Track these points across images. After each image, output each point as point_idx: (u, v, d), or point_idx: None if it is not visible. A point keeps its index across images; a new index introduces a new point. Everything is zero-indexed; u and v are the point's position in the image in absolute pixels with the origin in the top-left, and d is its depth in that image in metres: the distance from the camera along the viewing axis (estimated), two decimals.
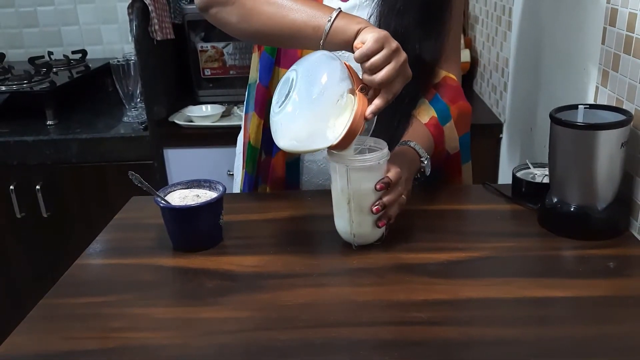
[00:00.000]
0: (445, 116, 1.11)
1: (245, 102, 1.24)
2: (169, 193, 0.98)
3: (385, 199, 0.90)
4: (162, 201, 0.94)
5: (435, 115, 1.10)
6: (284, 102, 0.86)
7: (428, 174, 1.05)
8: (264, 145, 1.17)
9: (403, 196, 0.93)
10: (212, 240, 0.97)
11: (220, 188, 0.97)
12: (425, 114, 1.10)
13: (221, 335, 0.75)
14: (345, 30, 0.89)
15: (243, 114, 1.25)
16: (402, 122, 1.10)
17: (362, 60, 0.86)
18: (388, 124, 1.09)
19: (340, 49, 0.91)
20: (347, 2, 1.08)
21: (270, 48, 1.12)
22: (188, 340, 0.74)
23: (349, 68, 0.88)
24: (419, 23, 1.05)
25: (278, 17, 0.94)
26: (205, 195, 0.97)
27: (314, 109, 0.85)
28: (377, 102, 0.87)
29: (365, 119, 0.85)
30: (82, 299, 0.84)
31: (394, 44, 0.86)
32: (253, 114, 1.17)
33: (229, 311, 0.80)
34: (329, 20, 0.89)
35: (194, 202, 0.94)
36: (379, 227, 0.91)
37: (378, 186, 0.89)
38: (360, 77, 0.88)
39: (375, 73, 0.86)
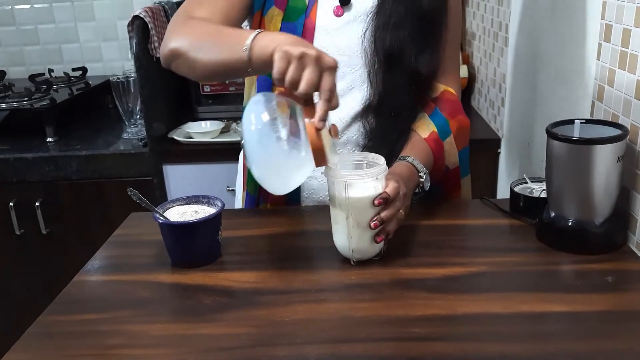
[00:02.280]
0: (445, 131, 1.12)
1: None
2: (167, 209, 0.98)
3: (383, 214, 0.90)
4: (161, 217, 0.94)
5: (435, 130, 1.10)
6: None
7: (427, 189, 1.05)
8: None
9: (401, 211, 0.94)
10: (210, 256, 0.97)
11: (219, 204, 0.98)
12: (425, 129, 1.11)
13: (219, 352, 0.75)
14: (262, 55, 0.88)
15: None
16: (401, 136, 1.10)
17: (281, 82, 0.84)
18: (387, 138, 1.10)
19: (268, 70, 0.88)
20: (342, 17, 1.10)
21: None
22: (185, 357, 0.74)
23: (284, 93, 0.86)
24: (414, 37, 1.06)
25: (211, 61, 0.96)
26: (203, 211, 0.97)
27: (274, 157, 0.85)
28: (318, 108, 0.84)
29: (317, 128, 0.83)
30: (79, 316, 0.84)
31: (297, 50, 0.82)
32: None
33: (227, 327, 0.80)
34: (245, 50, 0.89)
35: (192, 218, 0.94)
36: (377, 242, 0.91)
37: (376, 202, 0.89)
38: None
39: (297, 87, 0.83)
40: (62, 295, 0.90)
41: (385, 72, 1.07)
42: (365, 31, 1.07)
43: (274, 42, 0.86)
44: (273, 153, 0.85)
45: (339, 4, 1.10)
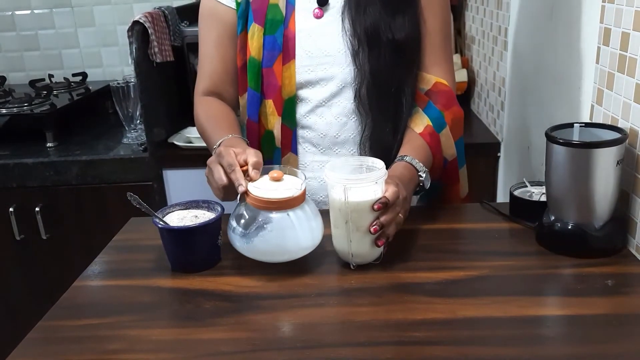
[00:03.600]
0: (441, 124, 1.12)
1: None
2: (167, 214, 0.98)
3: (382, 218, 0.90)
4: (161, 222, 0.94)
5: (430, 124, 1.11)
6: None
7: (427, 187, 1.05)
8: None
9: (400, 215, 0.94)
10: (210, 261, 0.97)
11: (219, 209, 0.98)
12: (420, 123, 1.11)
13: (219, 357, 0.75)
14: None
15: None
16: (397, 123, 1.12)
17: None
18: (382, 131, 1.10)
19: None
20: (322, 18, 1.12)
21: (254, 83, 1.15)
22: None
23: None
24: (384, 10, 1.08)
25: (205, 139, 1.17)
26: (203, 216, 0.97)
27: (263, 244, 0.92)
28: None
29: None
30: (79, 321, 0.84)
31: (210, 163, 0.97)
32: None
33: (227, 332, 0.80)
34: (214, 146, 1.05)
35: (192, 223, 0.94)
36: (378, 246, 0.91)
37: (375, 206, 0.89)
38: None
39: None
40: (63, 300, 0.90)
41: (370, 55, 1.09)
42: (345, 25, 1.09)
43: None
44: (258, 243, 0.91)
45: (317, 6, 1.11)
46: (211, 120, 1.16)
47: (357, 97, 1.11)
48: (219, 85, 1.20)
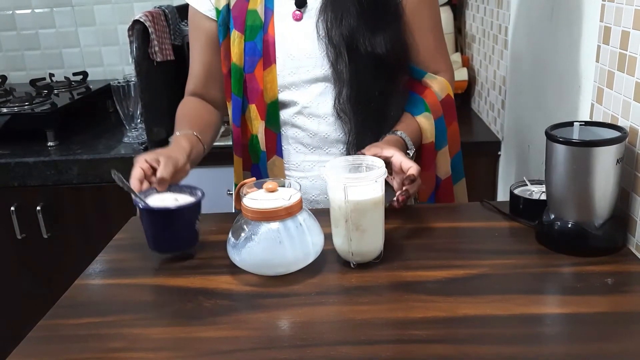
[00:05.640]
0: (442, 141, 1.16)
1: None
2: (149, 195, 0.99)
3: (409, 187, 0.96)
4: (141, 202, 0.95)
5: (434, 141, 1.15)
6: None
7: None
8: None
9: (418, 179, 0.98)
10: (187, 243, 1.00)
11: (199, 193, 0.99)
12: (429, 134, 1.15)
13: (219, 355, 0.75)
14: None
15: None
16: (382, 125, 1.13)
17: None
18: (367, 129, 1.12)
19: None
20: (301, 21, 1.12)
21: (237, 88, 1.17)
22: None
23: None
24: (363, 22, 1.08)
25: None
26: (184, 199, 0.99)
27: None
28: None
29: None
30: (80, 320, 0.84)
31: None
32: (233, 154, 1.24)
33: (228, 330, 0.80)
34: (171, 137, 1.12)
35: (171, 205, 0.96)
36: (397, 206, 0.97)
37: (399, 199, 0.96)
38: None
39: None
40: (63, 299, 0.90)
41: (349, 64, 1.09)
42: (319, 29, 1.10)
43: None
44: (246, 254, 0.91)
45: (296, 8, 1.11)
46: (180, 117, 1.22)
47: (337, 102, 1.12)
48: (201, 88, 1.25)
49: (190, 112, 1.23)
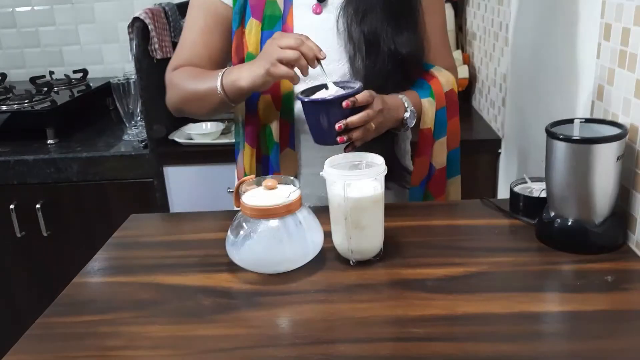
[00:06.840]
0: (441, 131, 1.15)
1: (235, 144, 1.26)
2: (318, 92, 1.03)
3: (349, 119, 0.96)
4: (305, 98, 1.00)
5: (432, 128, 1.14)
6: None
7: (411, 126, 1.11)
8: (259, 174, 1.19)
9: (372, 124, 0.98)
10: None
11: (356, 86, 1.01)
12: (429, 119, 1.15)
13: (218, 353, 0.75)
14: (234, 89, 1.05)
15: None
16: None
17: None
18: (386, 132, 1.11)
19: (244, 98, 1.10)
20: (321, 14, 1.12)
21: None
22: (185, 358, 0.74)
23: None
24: (386, 20, 1.08)
25: (204, 111, 1.15)
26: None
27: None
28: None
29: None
30: (79, 318, 0.84)
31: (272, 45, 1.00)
32: (245, 145, 1.20)
33: (227, 328, 0.80)
34: (220, 94, 1.06)
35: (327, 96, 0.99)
36: (338, 143, 0.97)
37: (344, 103, 0.95)
38: None
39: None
40: (62, 297, 0.90)
41: (367, 60, 1.09)
42: (339, 24, 1.10)
43: (238, 73, 1.04)
44: (245, 252, 0.91)
45: (317, 2, 1.11)
46: (195, 71, 1.15)
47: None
48: (200, 67, 1.18)
49: (202, 69, 1.17)
